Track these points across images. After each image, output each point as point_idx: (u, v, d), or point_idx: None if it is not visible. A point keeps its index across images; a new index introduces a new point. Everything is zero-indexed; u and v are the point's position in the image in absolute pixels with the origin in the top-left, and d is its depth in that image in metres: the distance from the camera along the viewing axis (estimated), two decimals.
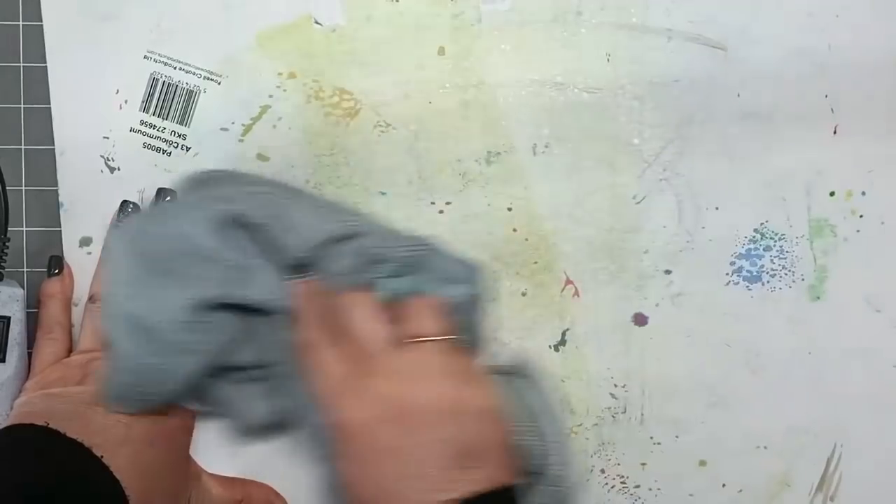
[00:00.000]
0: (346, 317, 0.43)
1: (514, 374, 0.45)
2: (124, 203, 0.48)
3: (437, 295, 0.44)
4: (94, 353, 0.46)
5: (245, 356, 0.44)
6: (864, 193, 0.51)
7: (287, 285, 0.44)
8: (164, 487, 0.44)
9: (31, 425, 0.42)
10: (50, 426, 0.42)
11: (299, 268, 0.44)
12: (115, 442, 0.42)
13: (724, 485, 0.51)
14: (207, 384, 0.44)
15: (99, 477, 0.41)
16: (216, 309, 0.42)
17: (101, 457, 0.41)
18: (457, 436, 0.40)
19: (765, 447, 0.51)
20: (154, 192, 0.48)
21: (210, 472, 0.48)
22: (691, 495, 0.51)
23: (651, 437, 0.51)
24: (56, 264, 0.48)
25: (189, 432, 0.47)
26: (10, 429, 0.43)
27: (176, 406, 0.45)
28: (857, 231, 0.51)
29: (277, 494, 0.49)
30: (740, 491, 0.51)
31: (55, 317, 0.47)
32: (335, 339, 0.43)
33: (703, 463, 0.51)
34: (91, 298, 0.47)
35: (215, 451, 0.48)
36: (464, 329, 0.44)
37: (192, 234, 0.42)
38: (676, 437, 0.51)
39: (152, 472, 0.43)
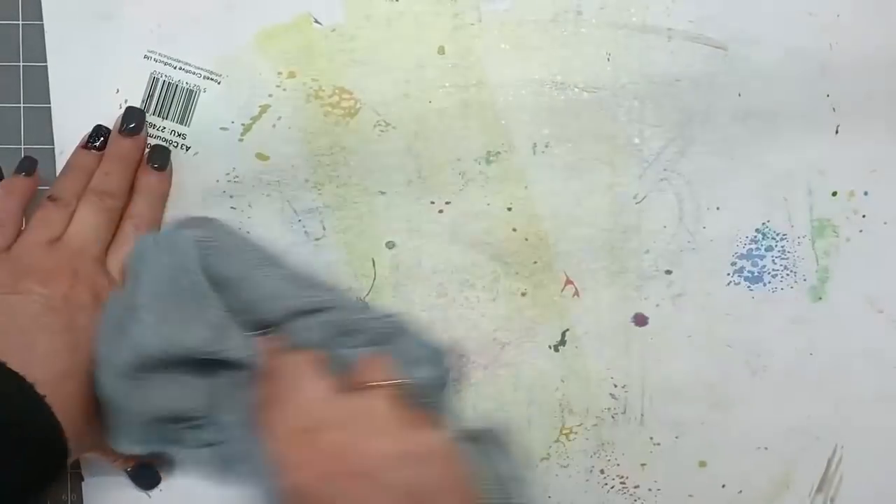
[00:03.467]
0: (294, 374, 0.42)
1: (483, 439, 0.43)
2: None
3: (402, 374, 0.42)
4: (38, 251, 0.44)
5: (199, 409, 0.43)
6: (866, 193, 0.50)
7: (253, 342, 0.43)
8: (95, 427, 0.42)
9: None
10: None
11: (264, 327, 0.44)
12: (59, 376, 0.40)
13: (723, 485, 0.51)
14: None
15: (39, 422, 0.39)
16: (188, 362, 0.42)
17: (45, 396, 0.39)
18: (407, 480, 0.38)
19: (765, 448, 0.50)
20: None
21: None
22: (691, 496, 0.51)
23: (651, 438, 0.50)
24: (28, 165, 0.47)
25: None
26: None
27: None
28: (860, 231, 0.50)
29: None
30: (740, 492, 0.51)
31: (9, 211, 0.46)
32: (283, 397, 0.41)
33: (702, 464, 0.51)
34: (50, 197, 0.46)
35: None
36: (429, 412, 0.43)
37: (191, 272, 0.42)
38: (676, 437, 0.50)
39: (89, 412, 0.41)
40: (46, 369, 0.40)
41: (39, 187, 0.49)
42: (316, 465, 0.39)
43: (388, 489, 0.38)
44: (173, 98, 0.49)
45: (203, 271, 0.42)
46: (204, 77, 0.49)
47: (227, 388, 0.43)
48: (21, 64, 0.49)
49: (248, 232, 0.49)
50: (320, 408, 0.40)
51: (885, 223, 0.50)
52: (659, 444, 0.50)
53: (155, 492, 0.48)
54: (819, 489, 0.51)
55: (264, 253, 0.46)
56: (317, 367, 0.42)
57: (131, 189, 0.48)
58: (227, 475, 0.43)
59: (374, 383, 0.41)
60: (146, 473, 0.48)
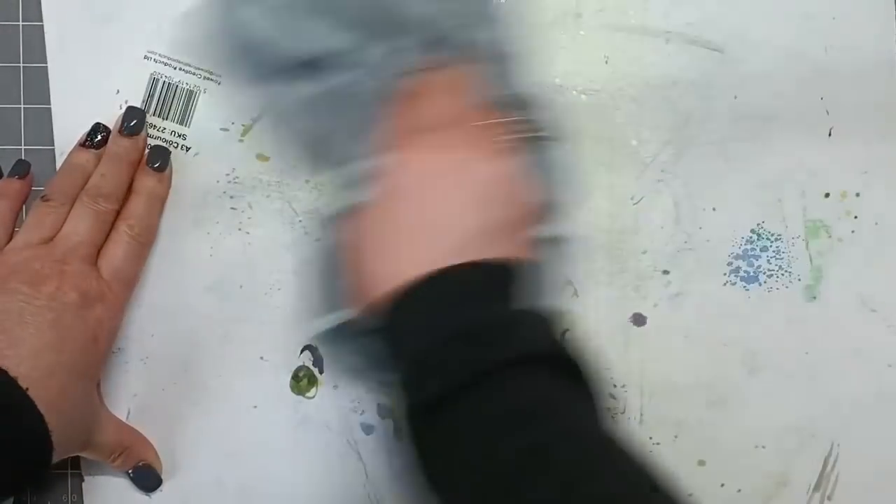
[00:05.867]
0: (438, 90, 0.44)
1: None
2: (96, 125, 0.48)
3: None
4: (28, 252, 0.44)
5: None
6: (858, 195, 0.51)
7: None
8: (82, 425, 0.43)
9: None
10: None
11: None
12: (44, 372, 0.40)
13: (722, 484, 0.51)
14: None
15: (23, 416, 0.39)
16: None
17: (27, 389, 0.39)
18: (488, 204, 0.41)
19: (763, 447, 0.51)
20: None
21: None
22: (690, 495, 0.51)
23: (650, 438, 0.51)
24: (21, 169, 0.47)
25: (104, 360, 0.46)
26: None
27: (100, 336, 0.44)
28: (852, 232, 0.51)
29: (155, 454, 0.48)
30: (738, 490, 0.51)
31: (2, 215, 0.46)
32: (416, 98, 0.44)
33: (701, 463, 0.51)
34: (43, 198, 0.46)
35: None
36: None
37: None
38: (675, 437, 0.51)
39: (76, 409, 0.42)
40: (30, 365, 0.40)
41: (43, 187, 0.49)
42: (420, 153, 0.42)
43: (464, 199, 0.41)
44: (173, 98, 0.49)
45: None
46: (204, 77, 0.49)
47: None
48: (21, 64, 0.49)
49: (248, 233, 0.49)
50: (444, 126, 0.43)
51: (877, 223, 0.51)
52: (658, 443, 0.51)
53: (155, 493, 0.48)
54: (816, 487, 0.51)
55: None
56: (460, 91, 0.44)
57: (130, 188, 0.48)
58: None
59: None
60: (147, 475, 0.47)
